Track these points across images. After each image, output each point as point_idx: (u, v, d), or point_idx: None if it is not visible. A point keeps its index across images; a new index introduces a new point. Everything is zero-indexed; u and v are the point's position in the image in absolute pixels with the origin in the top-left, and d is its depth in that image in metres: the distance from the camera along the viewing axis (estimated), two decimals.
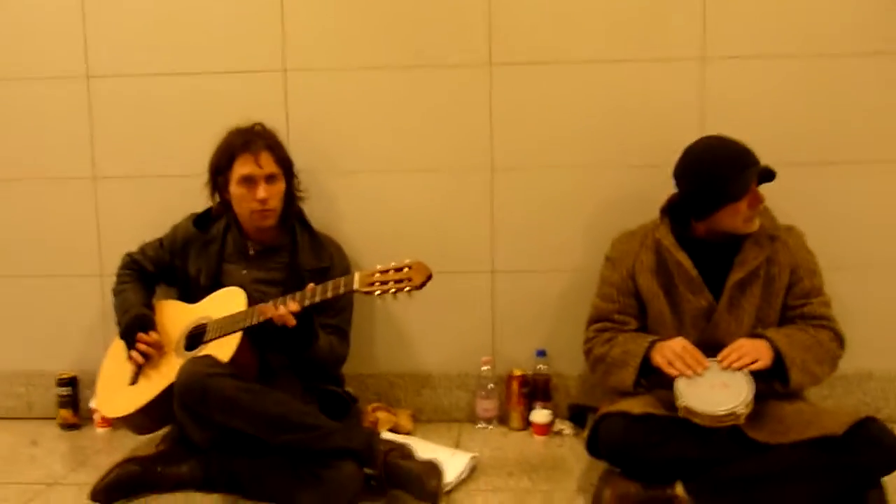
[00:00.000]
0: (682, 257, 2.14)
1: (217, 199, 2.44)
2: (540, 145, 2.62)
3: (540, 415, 2.57)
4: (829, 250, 2.36)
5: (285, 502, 2.05)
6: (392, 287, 1.99)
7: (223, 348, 2.14)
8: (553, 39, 2.58)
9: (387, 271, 2.01)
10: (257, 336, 2.20)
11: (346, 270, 2.40)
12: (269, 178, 2.33)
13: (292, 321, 2.09)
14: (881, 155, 2.54)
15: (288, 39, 2.63)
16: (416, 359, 2.73)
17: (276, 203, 2.35)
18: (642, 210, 2.36)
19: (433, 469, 2.04)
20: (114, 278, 2.52)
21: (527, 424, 2.62)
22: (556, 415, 2.63)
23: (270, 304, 2.12)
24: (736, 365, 2.00)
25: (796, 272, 2.15)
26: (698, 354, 2.04)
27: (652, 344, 2.11)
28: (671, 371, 2.02)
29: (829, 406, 2.53)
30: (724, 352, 2.04)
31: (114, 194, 2.74)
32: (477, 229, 2.66)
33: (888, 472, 1.88)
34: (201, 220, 2.47)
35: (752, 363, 2.00)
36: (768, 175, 2.07)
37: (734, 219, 2.09)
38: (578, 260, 2.63)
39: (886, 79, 2.51)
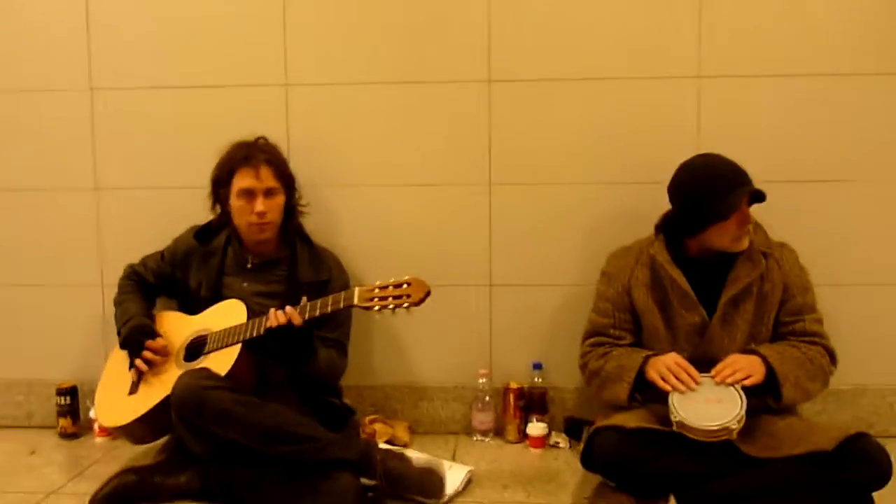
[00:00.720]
0: (676, 273, 2.17)
1: (218, 210, 2.47)
2: (538, 161, 2.65)
3: (536, 428, 2.59)
4: (822, 267, 2.41)
5: None
6: (391, 303, 2.02)
7: (222, 360, 2.16)
8: (551, 57, 2.61)
9: (386, 287, 2.05)
10: (256, 348, 2.22)
11: (346, 284, 2.43)
12: (268, 193, 2.36)
13: (298, 320, 2.11)
14: (874, 174, 2.57)
15: (289, 55, 2.66)
16: (413, 371, 2.75)
17: (273, 217, 2.38)
18: (639, 226, 2.39)
19: (432, 469, 2.09)
20: (114, 289, 2.54)
21: (523, 437, 2.64)
22: (551, 428, 2.65)
23: (272, 314, 2.13)
24: (729, 380, 2.02)
25: (789, 289, 2.18)
26: (691, 370, 2.06)
27: (646, 359, 2.14)
28: (664, 386, 2.04)
29: (821, 421, 2.56)
30: (718, 367, 2.07)
31: (115, 205, 2.77)
32: (475, 243, 2.69)
33: (878, 488, 1.90)
34: (202, 233, 2.49)
35: (745, 378, 2.02)
36: (759, 196, 2.09)
37: (722, 238, 2.12)
38: (575, 275, 2.66)
39: (880, 99, 2.54)
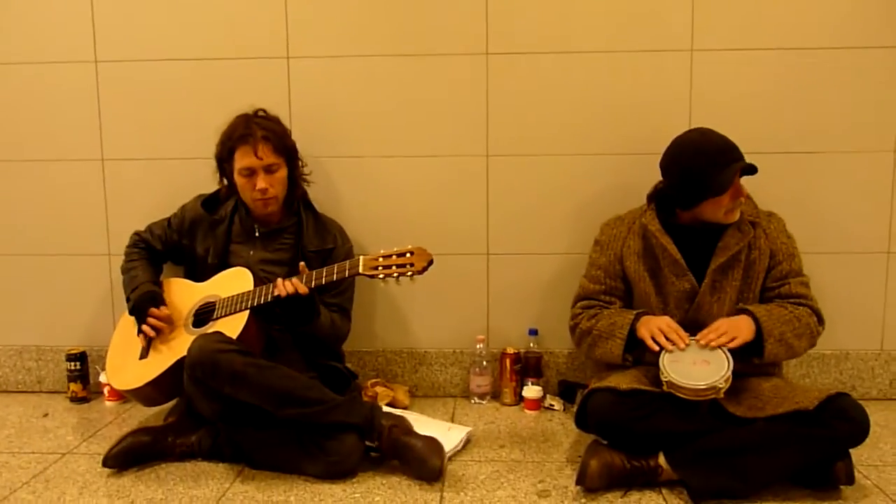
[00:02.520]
0: (667, 242, 2.25)
1: (225, 183, 2.52)
2: (534, 133, 2.71)
3: (531, 391, 2.69)
4: (808, 236, 2.49)
5: (290, 471, 2.16)
6: (395, 271, 2.09)
7: (231, 325, 2.24)
8: (548, 30, 2.66)
9: (389, 256, 2.11)
10: (263, 314, 2.30)
11: (350, 252, 2.51)
12: (268, 169, 2.40)
13: (304, 289, 2.18)
14: (860, 145, 2.65)
15: (291, 27, 2.70)
16: (413, 337, 2.84)
17: (276, 191, 2.43)
18: (632, 197, 2.46)
19: (435, 448, 2.11)
20: (121, 257, 2.60)
21: (519, 400, 2.73)
22: (546, 391, 2.75)
23: (280, 284, 2.20)
24: (714, 343, 2.10)
25: (775, 256, 2.26)
26: (681, 332, 2.14)
27: (638, 316, 2.22)
28: (653, 346, 2.13)
29: (805, 384, 2.67)
30: (703, 332, 2.14)
31: (121, 176, 2.82)
32: (473, 213, 2.76)
33: (857, 444, 1.99)
34: (210, 202, 2.55)
35: (731, 341, 2.10)
36: (750, 170, 2.16)
37: (716, 211, 2.19)
38: (570, 243, 2.74)
39: (866, 72, 2.61)
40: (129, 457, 2.21)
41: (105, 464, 2.18)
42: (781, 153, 2.64)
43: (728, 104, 2.63)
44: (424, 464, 2.08)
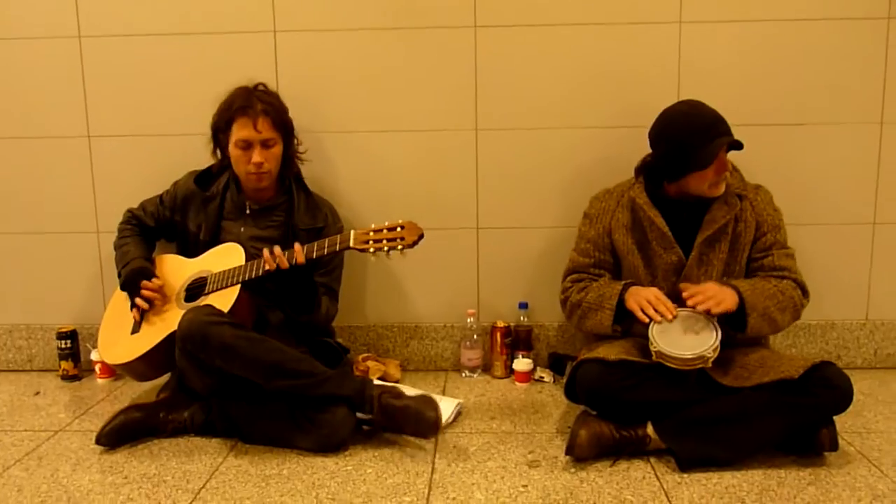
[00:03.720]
0: (655, 215, 2.26)
1: (219, 155, 2.51)
2: (522, 107, 2.70)
3: (521, 363, 2.71)
4: (794, 207, 2.52)
5: (282, 444, 2.18)
6: (385, 245, 2.10)
7: (223, 299, 2.24)
8: (536, 2, 2.65)
9: (380, 230, 2.12)
10: (256, 291, 2.30)
11: (340, 231, 2.50)
12: (265, 144, 2.39)
13: (285, 264, 2.18)
14: (847, 117, 2.66)
15: (277, 1, 2.68)
16: (404, 311, 2.85)
17: (270, 166, 2.42)
18: (620, 170, 2.47)
19: (428, 402, 2.12)
20: (110, 235, 2.60)
21: (509, 372, 2.76)
22: (536, 363, 2.77)
23: (266, 255, 2.20)
24: (700, 308, 2.10)
25: (760, 228, 2.27)
26: (668, 303, 2.15)
27: (626, 286, 2.23)
28: (643, 317, 2.14)
29: (791, 353, 2.69)
30: (691, 290, 2.15)
31: (108, 153, 2.80)
32: (463, 187, 2.76)
33: (841, 411, 2.02)
34: (202, 178, 2.54)
35: (717, 305, 2.10)
36: (736, 145, 2.16)
37: (700, 184, 2.20)
38: (559, 217, 2.75)
39: (853, 44, 2.62)
40: (121, 434, 2.21)
41: (98, 441, 2.19)
42: (769, 125, 2.65)
43: (716, 76, 2.63)
44: (421, 416, 2.09)
